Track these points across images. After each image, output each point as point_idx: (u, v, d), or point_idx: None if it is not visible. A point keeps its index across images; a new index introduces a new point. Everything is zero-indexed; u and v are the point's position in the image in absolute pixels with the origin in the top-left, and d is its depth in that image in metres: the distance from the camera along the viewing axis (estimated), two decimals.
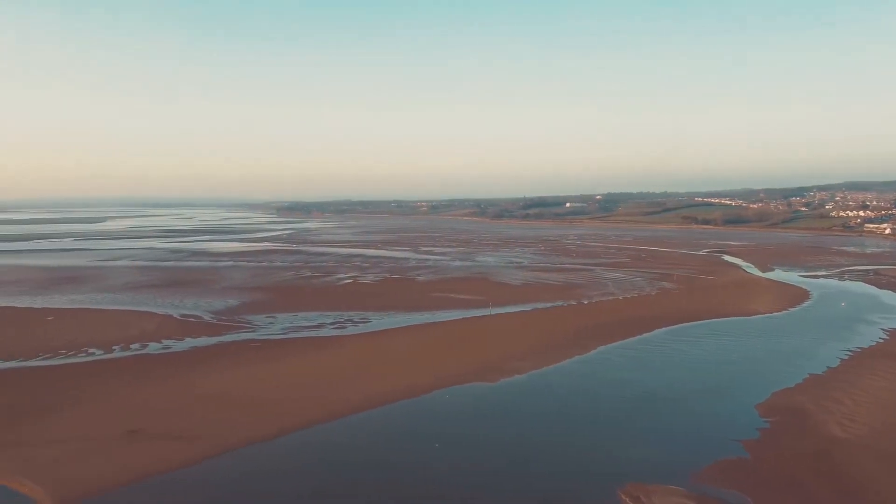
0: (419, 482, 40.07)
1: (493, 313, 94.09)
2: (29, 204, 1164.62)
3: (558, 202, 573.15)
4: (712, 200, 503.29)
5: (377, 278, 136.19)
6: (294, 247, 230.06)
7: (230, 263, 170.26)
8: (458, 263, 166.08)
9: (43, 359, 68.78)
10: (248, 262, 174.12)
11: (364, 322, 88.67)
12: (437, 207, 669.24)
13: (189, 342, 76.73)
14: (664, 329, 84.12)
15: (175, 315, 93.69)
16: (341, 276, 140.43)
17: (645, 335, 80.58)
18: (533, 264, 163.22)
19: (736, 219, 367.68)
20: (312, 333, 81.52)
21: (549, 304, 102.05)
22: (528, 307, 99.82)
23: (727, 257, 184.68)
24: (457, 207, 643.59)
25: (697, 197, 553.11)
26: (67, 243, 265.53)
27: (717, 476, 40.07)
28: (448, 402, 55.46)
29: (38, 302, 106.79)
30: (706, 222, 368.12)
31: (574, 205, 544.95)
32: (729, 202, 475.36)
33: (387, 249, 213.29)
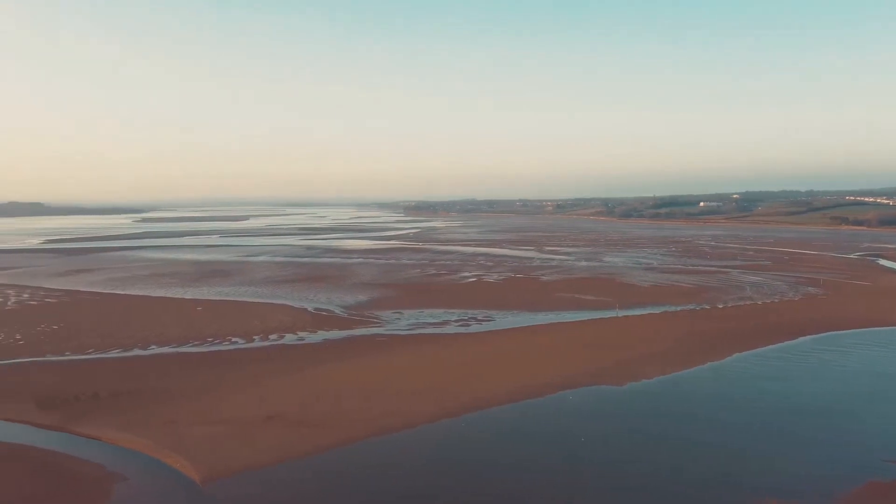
0: (552, 484, 39.62)
1: (619, 315, 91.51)
2: (181, 203, 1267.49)
3: (691, 201, 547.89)
4: (865, 199, 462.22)
5: (501, 277, 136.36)
6: (420, 245, 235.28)
7: (360, 260, 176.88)
8: (583, 263, 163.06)
9: (193, 346, 74.56)
10: (376, 259, 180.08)
11: (488, 320, 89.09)
12: (563, 207, 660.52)
13: (322, 335, 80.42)
14: (809, 337, 78.20)
15: (309, 309, 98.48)
16: (466, 274, 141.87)
17: (787, 343, 75.27)
18: (663, 265, 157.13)
19: (894, 219, 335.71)
20: (437, 330, 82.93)
21: (679, 307, 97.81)
22: (657, 309, 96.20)
23: (883, 261, 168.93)
24: (583, 206, 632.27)
25: (849, 196, 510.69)
26: (214, 240, 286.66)
27: (868, 500, 36.69)
28: (574, 403, 54.53)
29: (189, 293, 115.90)
30: (858, 223, 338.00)
31: (708, 204, 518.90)
32: (886, 201, 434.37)
33: (511, 249, 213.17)
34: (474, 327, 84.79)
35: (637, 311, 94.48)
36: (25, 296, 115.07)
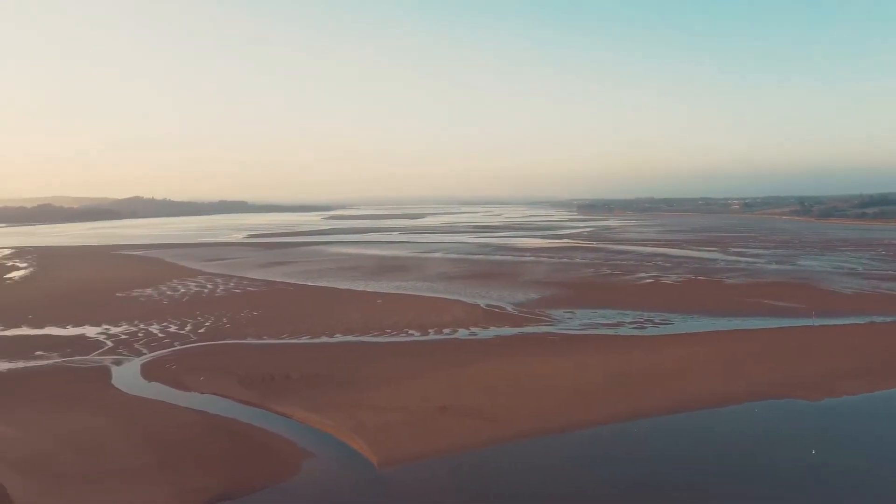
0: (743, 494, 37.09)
1: (815, 324, 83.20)
2: (365, 202, 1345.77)
3: None
4: None
5: (680, 279, 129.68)
6: (594, 244, 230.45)
7: (532, 258, 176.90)
8: (774, 267, 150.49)
9: (373, 336, 78.79)
10: (548, 257, 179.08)
11: (665, 323, 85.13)
12: (752, 205, 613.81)
13: (493, 331, 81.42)
14: None
15: (481, 305, 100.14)
16: (642, 274, 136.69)
17: None
18: (870, 271, 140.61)
19: None
20: (611, 331, 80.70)
21: (891, 318, 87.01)
22: (860, 320, 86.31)
23: None
24: (774, 205, 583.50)
25: None
26: (393, 237, 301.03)
27: None
28: (761, 416, 50.50)
29: (371, 287, 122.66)
30: None
31: None
32: None
33: (692, 249, 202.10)
34: (650, 330, 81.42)
35: (837, 321, 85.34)
36: (231, 285, 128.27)
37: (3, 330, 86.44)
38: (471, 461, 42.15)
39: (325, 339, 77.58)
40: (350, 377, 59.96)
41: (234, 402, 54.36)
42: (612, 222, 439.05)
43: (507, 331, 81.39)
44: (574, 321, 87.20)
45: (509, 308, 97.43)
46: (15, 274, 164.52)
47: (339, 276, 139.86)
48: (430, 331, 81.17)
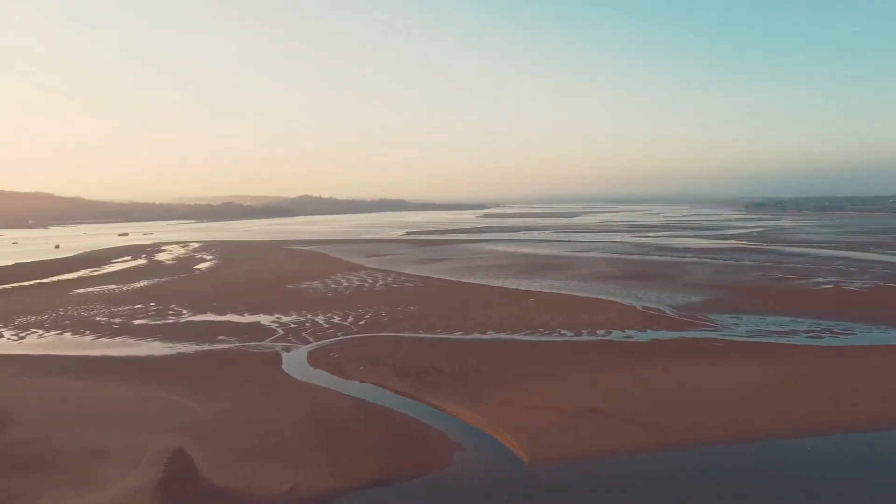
0: None
1: None
2: (519, 200, 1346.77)
3: None
4: None
5: (866, 285, 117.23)
6: (764, 245, 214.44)
7: (693, 259, 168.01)
8: None
9: (524, 334, 78.65)
10: (712, 259, 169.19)
11: (846, 333, 77.37)
12: None
13: (650, 334, 78.30)
14: None
15: (637, 306, 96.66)
16: (819, 279, 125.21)
17: None
18: None
19: None
20: (782, 339, 74.64)
21: None
22: None
23: None
24: None
25: None
26: (547, 235, 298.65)
27: None
28: None
29: (523, 285, 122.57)
30: None
31: None
32: None
33: (881, 253, 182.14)
34: (829, 340, 74.35)
35: None
36: (390, 280, 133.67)
37: (192, 315, 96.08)
38: (621, 466, 40.85)
39: (477, 335, 78.60)
40: (501, 374, 60.29)
41: (390, 393, 56.58)
42: (784, 222, 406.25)
43: (665, 334, 77.92)
44: (740, 327, 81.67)
45: (668, 311, 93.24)
46: (202, 265, 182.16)
47: (491, 274, 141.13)
48: (583, 331, 79.64)
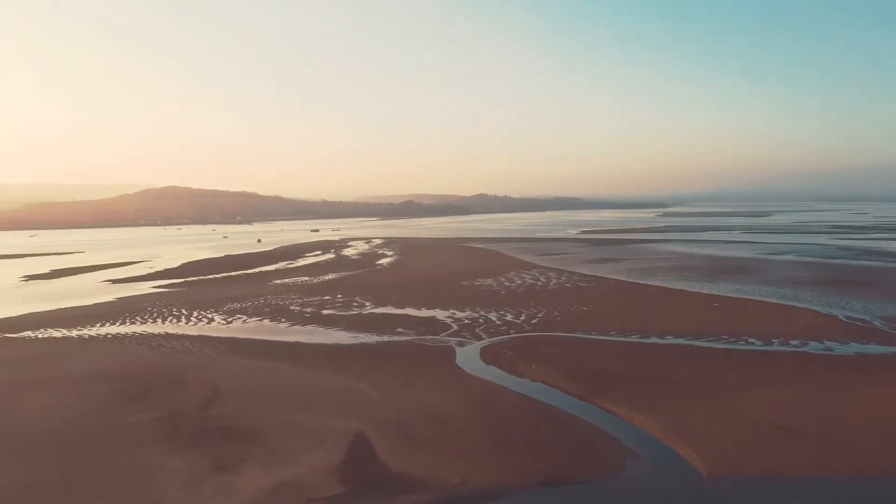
0: None
1: None
2: (703, 198, 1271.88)
3: None
4: None
5: None
6: None
7: None
8: None
9: (706, 340, 74.15)
10: None
11: None
12: None
13: (854, 347, 70.49)
14: None
15: (839, 316, 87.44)
16: None
17: None
18: None
19: None
20: None
21: None
22: None
23: None
24: None
25: None
26: (734, 235, 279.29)
27: None
28: None
29: (706, 288, 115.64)
30: None
31: None
32: None
33: None
34: None
35: None
36: (563, 279, 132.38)
37: (373, 308, 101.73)
38: (815, 491, 37.19)
39: (654, 339, 75.47)
40: (679, 381, 57.43)
41: (562, 393, 56.07)
42: None
43: (873, 349, 69.74)
44: None
45: (877, 322, 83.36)
46: (384, 261, 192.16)
47: (671, 276, 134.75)
48: (773, 340, 73.52)
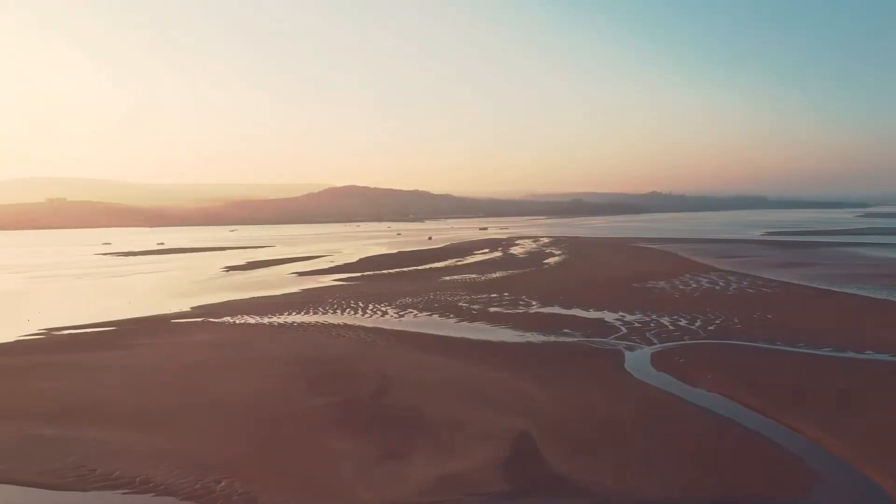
0: None
1: None
2: None
3: None
4: None
5: None
6: None
7: None
8: None
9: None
10: None
11: None
12: None
13: None
14: None
15: None
16: None
17: None
18: None
19: None
20: None
21: None
22: None
23: None
24: None
25: None
26: None
27: None
28: None
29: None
30: None
31: None
32: None
33: None
34: None
35: None
36: (744, 283, 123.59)
37: (540, 307, 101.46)
38: None
39: (850, 354, 68.17)
40: (878, 402, 51.44)
41: (740, 406, 52.39)
42: None
43: None
44: None
45: None
46: (551, 260, 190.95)
47: (872, 283, 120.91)
48: None
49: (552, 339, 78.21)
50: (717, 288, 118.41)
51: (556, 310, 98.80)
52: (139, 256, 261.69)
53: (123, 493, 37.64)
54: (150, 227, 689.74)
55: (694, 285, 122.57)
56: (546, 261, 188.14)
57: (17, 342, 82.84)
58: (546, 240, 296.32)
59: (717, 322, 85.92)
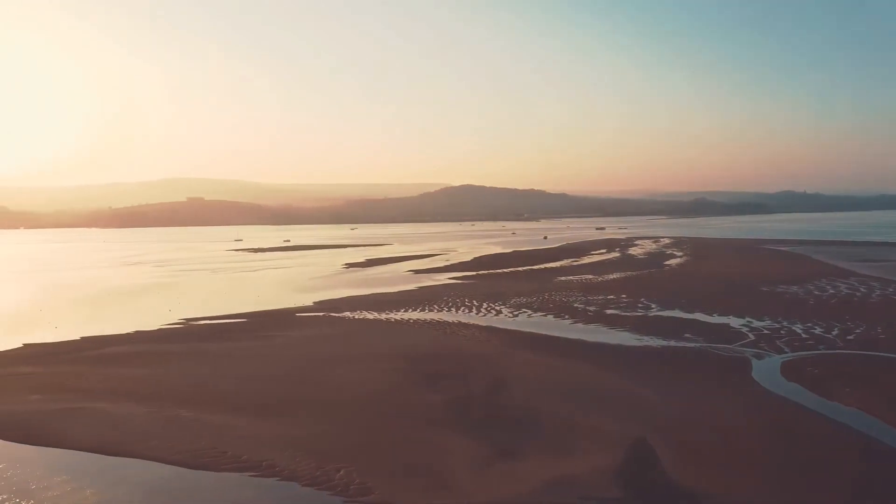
0: None
1: None
2: None
3: None
4: None
5: None
6: None
7: None
8: None
9: None
10: None
11: None
12: None
13: None
14: None
15: None
16: None
17: None
18: None
19: None
20: None
21: None
22: None
23: None
24: None
25: None
26: None
27: None
28: None
29: None
30: None
31: None
32: None
33: None
34: None
35: None
36: (890, 290, 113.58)
37: (660, 310, 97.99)
38: None
39: None
40: None
41: (883, 424, 48.14)
42: None
43: None
44: None
45: None
46: (672, 262, 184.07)
47: None
48: None
49: (672, 343, 75.22)
50: (858, 294, 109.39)
51: (678, 313, 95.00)
52: (267, 252, 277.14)
53: (251, 476, 39.85)
54: (277, 224, 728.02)
55: (831, 291, 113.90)
56: (667, 262, 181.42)
57: (159, 330, 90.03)
58: (667, 240, 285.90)
59: (858, 332, 79.34)
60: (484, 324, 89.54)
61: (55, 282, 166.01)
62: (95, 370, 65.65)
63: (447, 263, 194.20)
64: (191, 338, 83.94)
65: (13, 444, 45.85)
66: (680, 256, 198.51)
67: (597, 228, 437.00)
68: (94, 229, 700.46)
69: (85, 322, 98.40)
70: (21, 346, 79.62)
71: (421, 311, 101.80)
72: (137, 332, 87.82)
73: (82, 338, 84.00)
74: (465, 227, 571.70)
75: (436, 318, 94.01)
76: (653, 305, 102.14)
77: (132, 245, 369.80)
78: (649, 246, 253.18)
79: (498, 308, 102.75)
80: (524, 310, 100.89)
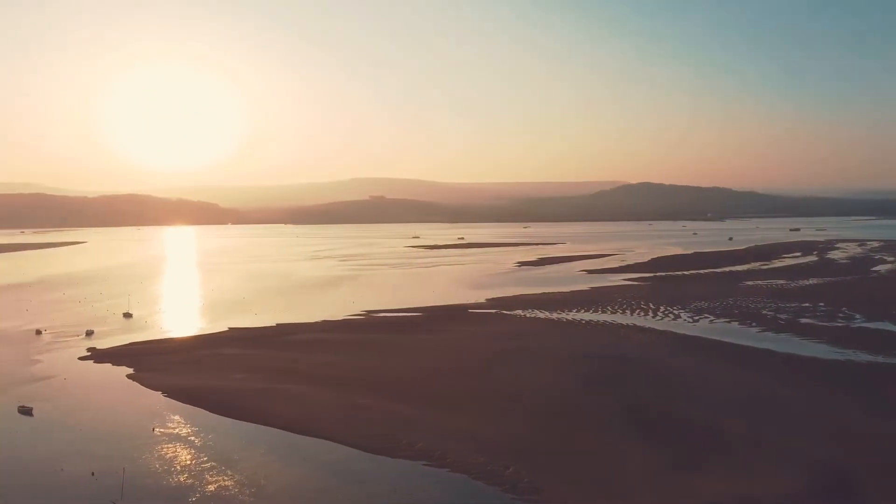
0: None
1: None
2: None
3: None
4: None
5: None
6: None
7: None
8: None
9: None
10: None
11: None
12: None
13: None
14: None
15: None
16: None
17: None
18: None
19: None
20: None
21: None
22: None
23: None
24: None
25: None
26: None
27: None
28: None
29: None
30: None
31: None
32: None
33: None
34: None
35: None
36: None
37: (865, 321, 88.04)
38: None
39: None
40: None
41: None
42: None
43: None
44: None
45: None
46: (881, 267, 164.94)
47: None
48: None
49: (881, 359, 66.94)
50: None
51: (887, 325, 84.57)
52: (442, 249, 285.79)
53: (423, 465, 41.22)
54: (452, 222, 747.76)
55: None
56: (875, 268, 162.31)
57: (343, 321, 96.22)
58: (875, 244, 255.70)
59: None
60: (661, 328, 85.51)
61: (256, 272, 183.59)
62: (288, 354, 71.66)
63: (622, 264, 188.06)
64: (372, 328, 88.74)
65: (217, 416, 51.45)
66: (891, 262, 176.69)
67: (790, 230, 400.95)
68: (289, 225, 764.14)
69: (280, 310, 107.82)
70: (227, 329, 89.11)
71: (594, 311, 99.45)
72: (325, 322, 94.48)
73: (277, 324, 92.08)
74: (643, 226, 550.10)
75: (609, 320, 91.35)
76: (857, 316, 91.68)
77: (321, 240, 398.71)
78: (853, 250, 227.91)
79: (676, 312, 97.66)
80: (705, 315, 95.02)
